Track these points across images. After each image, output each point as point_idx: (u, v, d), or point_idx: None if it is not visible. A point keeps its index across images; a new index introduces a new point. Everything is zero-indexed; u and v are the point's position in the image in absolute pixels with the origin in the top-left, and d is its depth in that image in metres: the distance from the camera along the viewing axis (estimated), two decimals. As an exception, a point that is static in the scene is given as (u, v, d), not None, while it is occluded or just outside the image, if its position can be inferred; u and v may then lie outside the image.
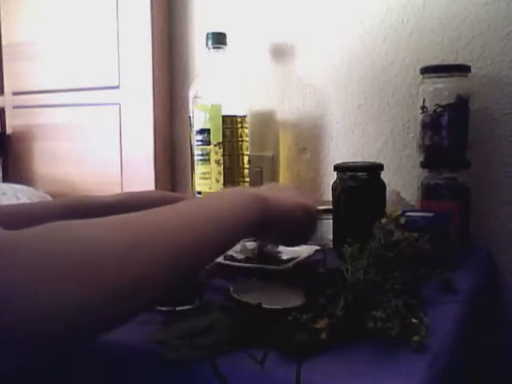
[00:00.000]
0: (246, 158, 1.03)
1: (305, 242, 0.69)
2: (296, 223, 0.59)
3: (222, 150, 0.97)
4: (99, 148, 1.24)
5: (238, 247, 0.81)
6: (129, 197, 0.72)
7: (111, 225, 0.40)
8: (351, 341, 0.50)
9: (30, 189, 1.17)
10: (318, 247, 0.78)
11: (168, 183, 1.20)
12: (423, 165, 0.90)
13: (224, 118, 0.97)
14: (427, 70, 0.89)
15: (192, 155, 1.01)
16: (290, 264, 0.70)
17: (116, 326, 0.39)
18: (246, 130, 1.03)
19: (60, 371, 0.56)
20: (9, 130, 1.38)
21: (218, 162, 0.98)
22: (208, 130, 0.97)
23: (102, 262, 0.36)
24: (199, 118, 0.98)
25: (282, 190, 0.66)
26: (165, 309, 0.59)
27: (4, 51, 1.37)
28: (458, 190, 0.88)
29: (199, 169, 0.99)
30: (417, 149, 0.92)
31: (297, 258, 0.73)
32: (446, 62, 0.92)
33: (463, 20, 0.93)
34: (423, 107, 0.89)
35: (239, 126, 1.01)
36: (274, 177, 1.10)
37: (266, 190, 0.63)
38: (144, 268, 0.38)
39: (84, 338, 0.38)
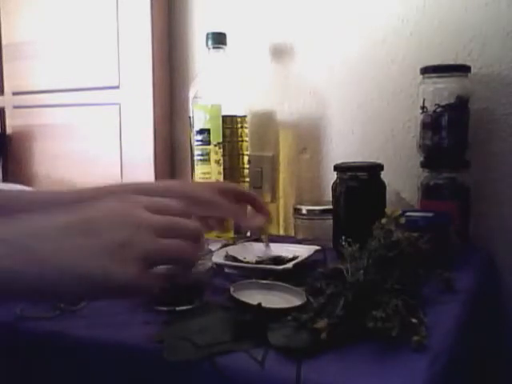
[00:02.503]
0: (245, 158, 1.03)
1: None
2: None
3: (221, 150, 0.97)
4: (99, 148, 1.23)
5: (238, 247, 0.81)
6: None
7: None
8: (351, 341, 0.50)
9: (30, 189, 1.17)
10: (318, 247, 0.78)
11: (168, 183, 1.20)
12: (423, 165, 0.90)
13: (224, 118, 0.97)
14: (427, 70, 0.89)
15: (192, 155, 1.01)
16: (290, 264, 0.70)
17: None
18: (246, 130, 1.03)
19: (59, 371, 0.56)
20: (9, 130, 1.38)
21: (218, 161, 0.98)
22: (208, 130, 0.97)
23: None
24: (199, 118, 0.98)
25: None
26: (165, 309, 0.59)
27: (4, 51, 1.36)
28: (458, 190, 0.88)
29: (199, 169, 0.99)
30: (417, 149, 0.92)
31: (297, 258, 0.73)
32: (446, 62, 0.92)
33: (463, 20, 0.93)
34: (423, 107, 0.89)
35: (239, 125, 1.01)
36: (274, 177, 1.11)
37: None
38: None
39: None
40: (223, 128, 0.97)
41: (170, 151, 1.20)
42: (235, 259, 0.74)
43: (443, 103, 0.87)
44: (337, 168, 0.82)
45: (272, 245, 0.81)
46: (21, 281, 0.39)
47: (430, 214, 0.80)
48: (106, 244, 0.41)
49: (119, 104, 1.20)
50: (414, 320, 0.52)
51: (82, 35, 1.24)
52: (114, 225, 0.42)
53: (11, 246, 0.39)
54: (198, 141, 0.98)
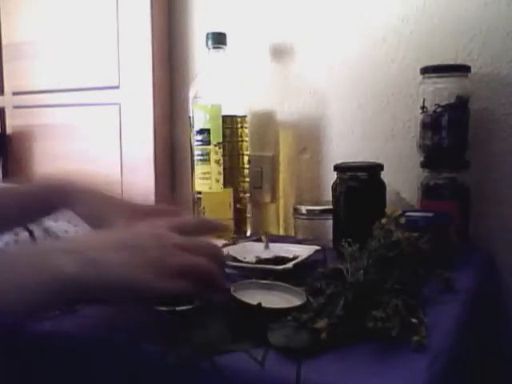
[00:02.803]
0: (246, 158, 1.03)
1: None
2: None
3: (221, 150, 0.97)
4: (99, 148, 1.23)
5: (238, 247, 0.81)
6: None
7: None
8: (351, 341, 0.50)
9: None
10: (318, 247, 0.78)
11: (168, 183, 1.20)
12: (423, 165, 0.90)
13: (224, 118, 0.97)
14: (427, 70, 0.89)
15: (192, 155, 1.01)
16: (290, 264, 0.70)
17: None
18: (246, 130, 1.03)
19: (59, 371, 0.56)
20: (9, 130, 1.38)
21: (218, 161, 0.98)
22: (208, 130, 0.97)
23: None
24: (199, 118, 0.98)
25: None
26: (165, 309, 0.59)
27: (4, 51, 1.37)
28: (458, 190, 0.88)
29: (199, 169, 0.99)
30: (417, 149, 0.92)
31: (297, 257, 0.73)
32: (445, 62, 0.92)
33: (463, 20, 0.93)
34: (423, 107, 0.89)
35: (239, 125, 1.01)
36: (274, 177, 1.11)
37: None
38: None
39: None
40: (223, 128, 0.97)
41: (170, 151, 1.20)
42: (235, 259, 0.74)
43: (443, 103, 0.87)
44: (337, 168, 0.82)
45: (272, 245, 0.81)
46: (82, 285, 0.47)
47: (430, 214, 0.80)
48: (145, 259, 0.50)
49: (119, 104, 1.20)
50: (414, 320, 0.52)
51: (82, 35, 1.24)
52: (149, 244, 0.51)
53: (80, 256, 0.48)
54: (198, 141, 0.98)
